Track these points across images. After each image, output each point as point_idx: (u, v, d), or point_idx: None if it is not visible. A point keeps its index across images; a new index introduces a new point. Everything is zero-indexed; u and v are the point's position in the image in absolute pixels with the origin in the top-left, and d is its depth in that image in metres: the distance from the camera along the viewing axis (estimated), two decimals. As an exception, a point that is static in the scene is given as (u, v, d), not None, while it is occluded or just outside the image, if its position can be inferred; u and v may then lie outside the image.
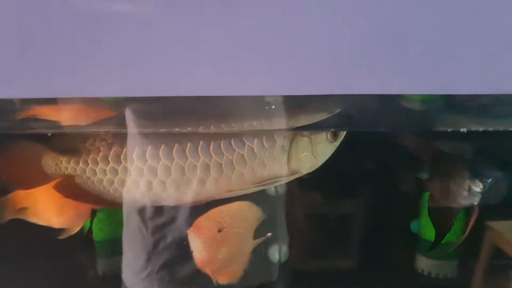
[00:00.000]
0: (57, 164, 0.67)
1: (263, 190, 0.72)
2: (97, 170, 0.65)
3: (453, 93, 0.49)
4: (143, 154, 0.63)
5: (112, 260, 0.89)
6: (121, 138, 0.64)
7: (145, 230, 0.77)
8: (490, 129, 0.63)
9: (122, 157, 0.64)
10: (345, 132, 0.64)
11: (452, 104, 0.61)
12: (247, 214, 0.69)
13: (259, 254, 0.79)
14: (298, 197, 0.84)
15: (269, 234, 0.74)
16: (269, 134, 0.62)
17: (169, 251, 0.77)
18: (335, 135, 0.64)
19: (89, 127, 0.65)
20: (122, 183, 0.65)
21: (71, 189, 0.67)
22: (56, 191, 0.68)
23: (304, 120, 0.62)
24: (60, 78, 0.47)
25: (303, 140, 0.63)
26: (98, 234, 0.88)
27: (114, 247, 0.84)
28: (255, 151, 0.62)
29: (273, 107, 0.58)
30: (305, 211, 0.89)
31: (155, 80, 0.47)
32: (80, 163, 0.66)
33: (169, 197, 0.64)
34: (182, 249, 0.76)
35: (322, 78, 0.46)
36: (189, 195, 0.63)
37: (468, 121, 0.65)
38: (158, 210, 0.73)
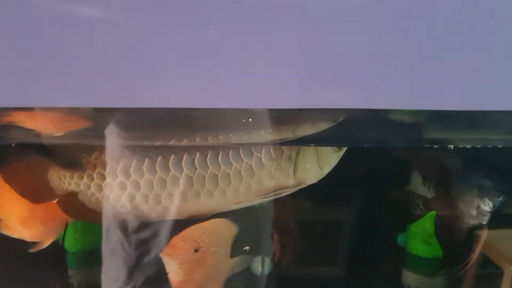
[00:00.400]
0: (60, 179, 0.65)
1: None
2: (103, 185, 0.63)
3: (438, 109, 0.47)
4: (138, 167, 0.61)
5: (88, 271, 0.86)
6: (130, 150, 0.62)
7: (127, 245, 0.75)
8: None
9: (131, 170, 0.62)
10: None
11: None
12: (223, 232, 0.68)
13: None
14: (282, 207, 0.82)
15: (247, 248, 0.72)
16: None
17: (153, 266, 0.75)
18: (339, 146, 0.64)
19: (64, 138, 0.61)
20: (131, 198, 0.63)
21: (73, 206, 0.65)
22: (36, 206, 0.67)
23: (309, 129, 0.61)
24: (25, 87, 0.45)
25: (309, 151, 0.62)
26: (74, 245, 0.85)
27: (91, 257, 0.83)
28: (263, 161, 0.61)
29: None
30: (290, 222, 0.87)
31: (125, 90, 0.45)
32: (85, 178, 0.63)
33: (178, 210, 0.63)
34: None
35: (300, 91, 0.44)
36: (200, 206, 0.62)
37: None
38: (142, 224, 0.72)
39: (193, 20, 0.44)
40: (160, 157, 0.61)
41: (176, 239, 0.65)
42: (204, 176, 0.61)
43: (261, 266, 0.78)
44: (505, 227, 1.32)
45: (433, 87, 0.47)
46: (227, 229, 0.69)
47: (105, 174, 0.63)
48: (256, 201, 0.63)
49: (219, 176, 0.61)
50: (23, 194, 0.67)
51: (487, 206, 0.72)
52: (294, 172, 0.62)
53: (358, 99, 0.47)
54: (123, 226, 0.71)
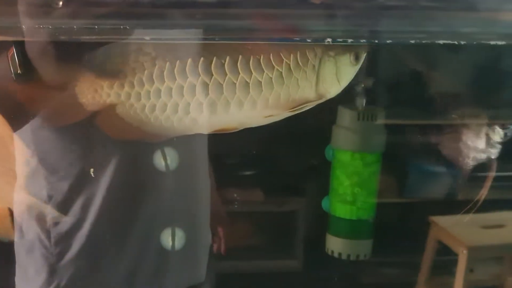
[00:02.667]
0: (96, 90, 0.56)
1: (152, 165, 0.72)
2: (142, 93, 0.57)
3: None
4: (182, 69, 0.57)
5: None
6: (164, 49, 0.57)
7: (46, 240, 0.71)
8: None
9: (165, 74, 0.56)
10: (365, 54, 0.62)
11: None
12: None
13: (150, 239, 0.76)
14: (193, 171, 0.80)
15: None
16: (302, 50, 0.58)
17: (78, 262, 0.72)
18: (357, 58, 0.61)
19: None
20: (164, 108, 0.57)
21: (115, 123, 0.58)
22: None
23: None
24: None
25: (330, 61, 0.60)
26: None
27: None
28: (291, 68, 0.58)
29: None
30: (201, 188, 0.82)
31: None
32: (126, 86, 0.56)
33: (204, 121, 0.58)
34: (93, 259, 0.72)
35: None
36: (230, 119, 0.59)
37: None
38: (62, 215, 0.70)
39: None
40: (190, 60, 0.57)
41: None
42: (235, 83, 0.57)
43: (171, 239, 0.75)
44: (457, 212, 1.37)
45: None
46: None
47: (143, 80, 0.57)
48: (284, 115, 0.60)
49: (250, 83, 0.57)
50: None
51: (497, 135, 0.68)
52: (316, 84, 0.60)
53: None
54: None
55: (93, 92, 0.57)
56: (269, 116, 0.59)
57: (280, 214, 1.42)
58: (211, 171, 0.83)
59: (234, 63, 0.56)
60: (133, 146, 0.70)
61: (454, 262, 1.32)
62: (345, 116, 0.82)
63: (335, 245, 0.85)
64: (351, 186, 0.80)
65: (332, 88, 0.61)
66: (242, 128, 0.60)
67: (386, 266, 1.42)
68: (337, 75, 0.60)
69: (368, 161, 0.79)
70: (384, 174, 1.43)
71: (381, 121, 0.81)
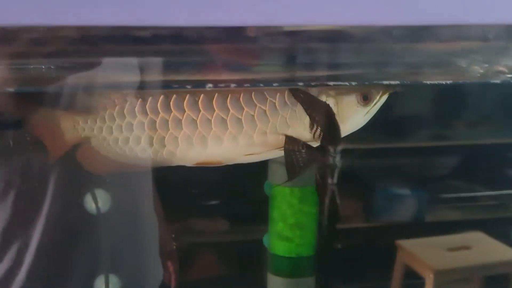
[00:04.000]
0: (74, 126, 0.61)
1: (83, 208, 0.71)
2: (113, 127, 0.60)
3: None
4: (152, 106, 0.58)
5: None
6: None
7: None
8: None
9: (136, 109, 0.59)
10: (381, 95, 0.58)
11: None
12: None
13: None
14: (130, 212, 0.77)
15: None
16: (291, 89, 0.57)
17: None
18: (365, 99, 0.57)
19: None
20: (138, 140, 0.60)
21: (90, 155, 0.61)
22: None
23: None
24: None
25: (328, 101, 0.57)
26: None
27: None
28: (277, 107, 0.57)
29: None
30: (142, 228, 0.80)
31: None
32: (98, 121, 0.60)
33: (181, 155, 0.59)
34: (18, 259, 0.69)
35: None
36: (208, 153, 0.58)
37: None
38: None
39: None
40: (162, 97, 0.57)
41: None
42: (210, 120, 0.57)
43: (104, 286, 0.73)
44: (424, 236, 1.36)
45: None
46: None
47: (114, 115, 0.60)
48: (274, 154, 0.58)
49: (227, 120, 0.57)
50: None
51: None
52: (311, 123, 0.57)
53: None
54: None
55: (71, 127, 0.61)
56: (250, 154, 0.58)
57: (244, 244, 1.41)
58: (158, 207, 0.82)
59: (209, 100, 0.56)
60: (64, 189, 0.69)
61: (422, 286, 1.31)
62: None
63: (275, 285, 0.82)
64: (289, 222, 0.78)
65: None
66: (230, 163, 0.59)
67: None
68: (339, 115, 0.57)
69: (304, 196, 0.77)
70: (348, 200, 1.44)
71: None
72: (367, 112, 0.58)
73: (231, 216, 1.38)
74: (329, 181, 0.60)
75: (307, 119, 0.57)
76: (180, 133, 0.58)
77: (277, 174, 0.78)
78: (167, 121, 0.57)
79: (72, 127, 0.61)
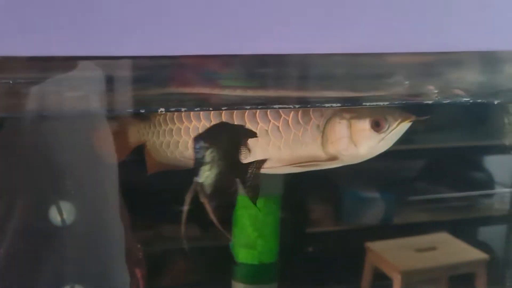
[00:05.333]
0: (138, 130, 0.71)
1: (48, 220, 0.71)
2: (160, 132, 0.69)
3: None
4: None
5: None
6: None
7: None
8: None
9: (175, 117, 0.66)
10: (399, 122, 0.58)
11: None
12: None
13: None
14: (96, 223, 0.78)
15: None
16: (305, 110, 0.58)
17: None
18: (377, 125, 0.58)
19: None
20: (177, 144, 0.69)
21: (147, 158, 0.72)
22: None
23: None
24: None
25: (341, 123, 0.57)
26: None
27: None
28: (290, 125, 0.58)
29: None
30: (108, 238, 0.80)
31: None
32: (151, 126, 0.70)
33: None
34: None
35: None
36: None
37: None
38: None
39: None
40: None
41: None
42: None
43: None
44: (393, 238, 1.39)
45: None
46: None
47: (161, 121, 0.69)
48: (288, 169, 0.59)
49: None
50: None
51: None
52: (323, 143, 0.58)
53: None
54: None
55: (136, 132, 0.71)
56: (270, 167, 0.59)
57: (217, 249, 1.41)
58: (125, 215, 0.83)
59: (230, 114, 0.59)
60: (28, 201, 0.69)
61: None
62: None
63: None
64: (251, 230, 0.80)
65: (347, 151, 0.59)
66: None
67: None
68: (352, 138, 0.58)
69: (265, 204, 0.78)
70: (317, 203, 1.45)
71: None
72: (382, 139, 0.58)
73: (201, 222, 1.38)
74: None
75: (319, 138, 0.58)
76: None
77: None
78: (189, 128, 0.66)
79: (136, 132, 0.71)
